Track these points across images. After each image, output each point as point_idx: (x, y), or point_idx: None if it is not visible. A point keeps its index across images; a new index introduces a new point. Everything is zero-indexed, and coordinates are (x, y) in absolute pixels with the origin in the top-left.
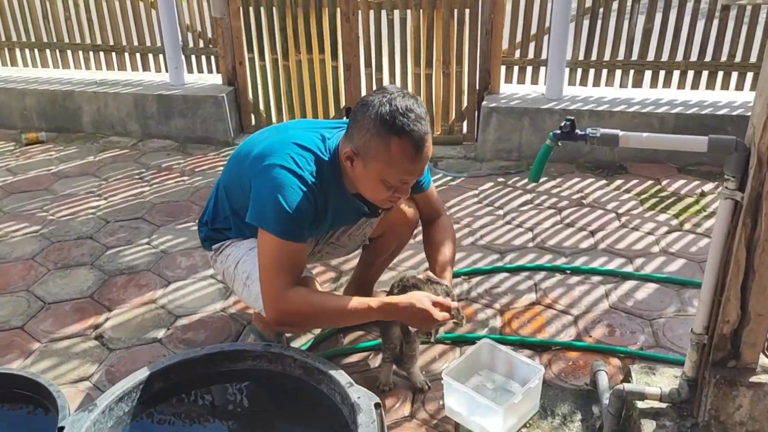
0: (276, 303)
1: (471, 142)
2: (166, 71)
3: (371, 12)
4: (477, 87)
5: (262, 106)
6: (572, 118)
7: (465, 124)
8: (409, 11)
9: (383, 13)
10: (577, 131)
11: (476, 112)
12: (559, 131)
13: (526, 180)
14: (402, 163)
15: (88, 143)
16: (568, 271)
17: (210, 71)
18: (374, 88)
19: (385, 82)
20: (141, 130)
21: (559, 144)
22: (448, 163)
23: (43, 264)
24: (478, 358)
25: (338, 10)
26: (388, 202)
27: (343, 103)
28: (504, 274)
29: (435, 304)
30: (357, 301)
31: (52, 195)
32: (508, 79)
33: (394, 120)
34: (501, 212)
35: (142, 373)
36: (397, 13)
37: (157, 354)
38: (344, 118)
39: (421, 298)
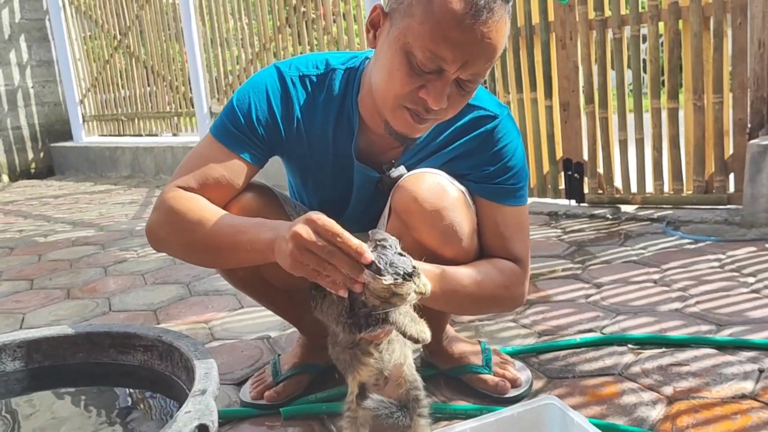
0: (153, 209)
1: (740, 205)
2: None
3: (593, 33)
4: (748, 125)
5: None
6: None
7: (732, 177)
8: (643, 27)
9: (609, 32)
10: None
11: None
12: None
13: None
14: (441, 21)
15: None
16: None
17: None
18: (598, 130)
19: (613, 122)
20: None
21: None
22: (697, 228)
23: (149, 278)
24: (534, 426)
25: (552, 36)
26: (404, 111)
27: (559, 154)
28: (706, 350)
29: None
30: (236, 218)
31: None
32: None
33: None
34: (749, 280)
35: None
36: (627, 30)
37: None
38: (562, 172)
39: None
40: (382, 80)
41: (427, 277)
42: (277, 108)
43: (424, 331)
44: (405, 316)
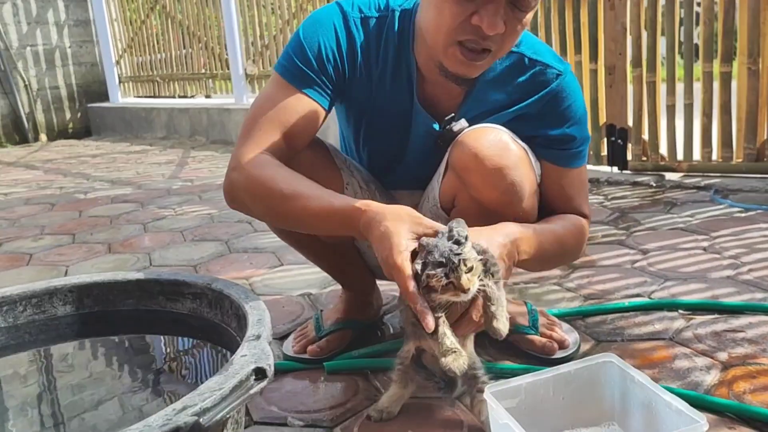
0: (231, 166)
1: None
2: None
3: None
4: None
5: None
6: None
7: None
8: None
9: None
10: None
11: None
12: None
13: None
14: None
15: None
16: None
17: None
18: (645, 95)
19: (661, 86)
20: None
21: None
22: (747, 196)
23: (188, 235)
24: (592, 383)
25: None
26: (457, 48)
27: (603, 119)
28: (761, 317)
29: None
30: (322, 191)
31: None
32: None
33: None
34: None
35: (44, 284)
36: None
37: None
38: (605, 138)
39: (401, 215)
40: (432, 18)
41: (521, 242)
42: (344, 46)
43: (456, 351)
44: (445, 325)
